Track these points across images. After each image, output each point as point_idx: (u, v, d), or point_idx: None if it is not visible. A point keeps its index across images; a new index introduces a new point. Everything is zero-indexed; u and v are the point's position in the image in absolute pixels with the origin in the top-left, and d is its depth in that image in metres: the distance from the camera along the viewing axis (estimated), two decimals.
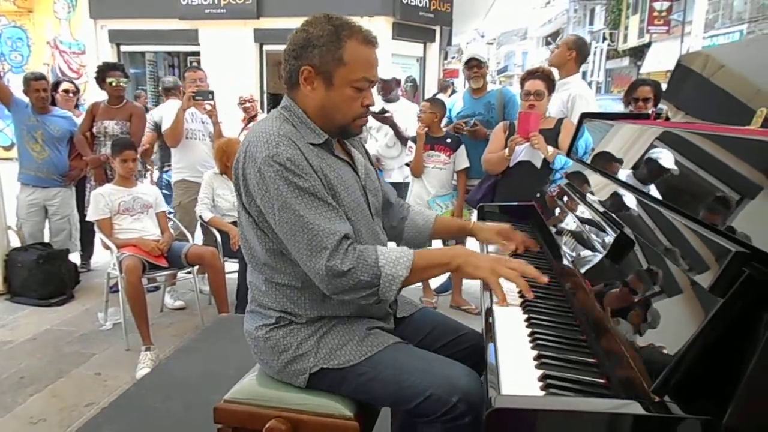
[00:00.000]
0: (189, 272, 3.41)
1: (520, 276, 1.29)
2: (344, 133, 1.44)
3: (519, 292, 1.31)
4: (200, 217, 3.67)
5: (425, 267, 1.32)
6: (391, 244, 1.50)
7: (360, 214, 1.42)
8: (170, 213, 3.84)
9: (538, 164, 2.98)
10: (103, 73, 3.97)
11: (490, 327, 1.21)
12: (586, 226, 1.42)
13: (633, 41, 19.81)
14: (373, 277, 1.25)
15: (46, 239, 4.17)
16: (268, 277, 1.40)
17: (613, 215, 1.32)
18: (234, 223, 3.61)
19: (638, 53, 19.46)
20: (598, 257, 1.25)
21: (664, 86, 2.59)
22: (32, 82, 3.99)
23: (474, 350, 1.50)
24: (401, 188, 3.89)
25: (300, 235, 1.26)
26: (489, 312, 1.28)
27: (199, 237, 4.01)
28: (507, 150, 3.00)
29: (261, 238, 1.37)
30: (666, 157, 1.30)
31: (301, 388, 1.41)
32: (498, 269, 1.29)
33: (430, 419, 1.24)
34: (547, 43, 32.58)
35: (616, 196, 1.43)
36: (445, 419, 1.22)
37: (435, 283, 4.06)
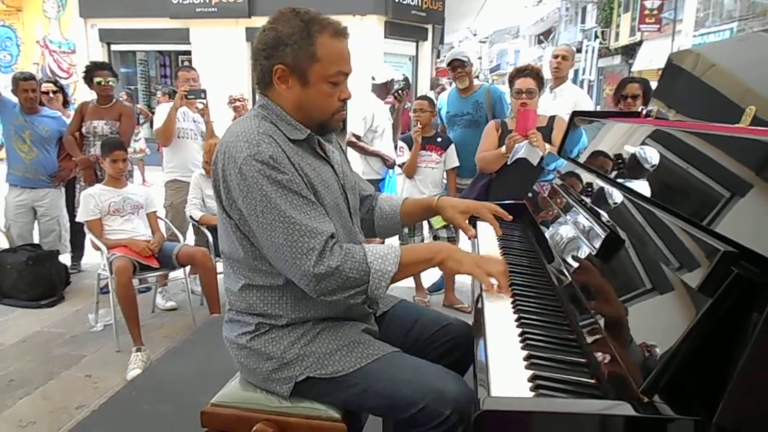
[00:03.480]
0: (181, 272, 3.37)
1: (503, 273, 1.34)
2: (323, 129, 1.40)
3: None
4: (191, 216, 3.64)
5: (412, 262, 1.32)
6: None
7: (339, 214, 1.39)
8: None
9: (535, 162, 2.96)
10: (91, 72, 3.93)
11: (480, 327, 1.20)
12: (577, 226, 1.42)
13: (624, 39, 19.89)
14: (362, 273, 1.24)
15: (36, 240, 4.13)
16: (247, 280, 1.36)
17: (604, 214, 1.32)
18: None
19: (630, 51, 19.51)
20: (589, 257, 1.25)
21: (653, 84, 2.59)
22: (21, 82, 3.95)
23: (458, 342, 1.50)
24: None
25: (285, 235, 1.22)
26: (479, 312, 1.28)
27: (191, 237, 3.98)
28: (505, 148, 2.98)
29: (242, 241, 1.33)
30: (655, 156, 1.30)
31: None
32: (481, 264, 1.34)
33: (423, 429, 1.23)
34: (539, 42, 32.66)
35: (606, 195, 1.42)
36: (439, 430, 1.21)
37: (428, 282, 4.05)
